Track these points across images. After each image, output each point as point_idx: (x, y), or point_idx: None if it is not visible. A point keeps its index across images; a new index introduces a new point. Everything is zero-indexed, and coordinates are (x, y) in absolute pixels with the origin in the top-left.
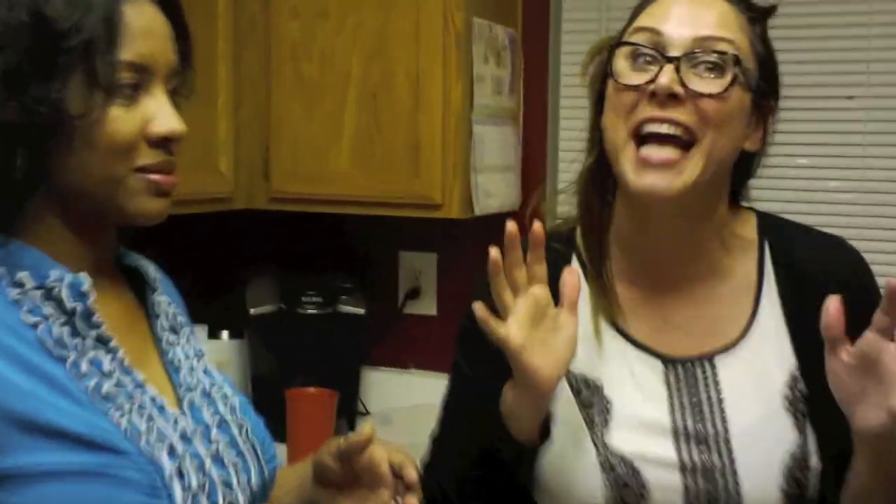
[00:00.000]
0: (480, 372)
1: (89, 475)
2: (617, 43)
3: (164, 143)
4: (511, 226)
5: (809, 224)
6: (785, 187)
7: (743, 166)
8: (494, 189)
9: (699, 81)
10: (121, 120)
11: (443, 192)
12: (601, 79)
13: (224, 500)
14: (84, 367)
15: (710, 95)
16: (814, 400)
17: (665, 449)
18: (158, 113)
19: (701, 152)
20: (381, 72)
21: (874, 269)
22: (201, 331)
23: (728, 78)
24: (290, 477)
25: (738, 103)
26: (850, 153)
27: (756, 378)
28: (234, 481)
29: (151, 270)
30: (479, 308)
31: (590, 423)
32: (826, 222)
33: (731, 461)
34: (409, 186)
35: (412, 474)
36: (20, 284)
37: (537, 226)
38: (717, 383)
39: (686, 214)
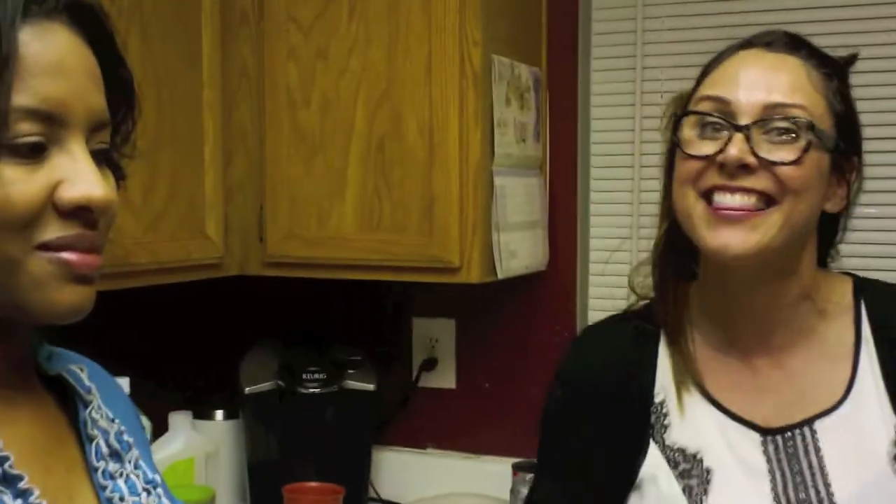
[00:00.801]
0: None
1: None
2: (683, 113)
3: (79, 212)
4: None
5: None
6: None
7: (828, 227)
8: (519, 248)
9: (772, 149)
10: (18, 183)
11: (461, 254)
12: (670, 147)
13: None
14: None
15: (784, 163)
16: None
17: None
18: (72, 174)
19: (780, 212)
20: (389, 119)
21: None
22: (184, 418)
23: (802, 143)
24: None
25: (815, 167)
26: None
27: (859, 442)
28: None
29: (84, 378)
30: None
31: (688, 493)
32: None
33: None
34: (423, 248)
35: None
36: None
37: None
38: (818, 450)
39: (768, 278)
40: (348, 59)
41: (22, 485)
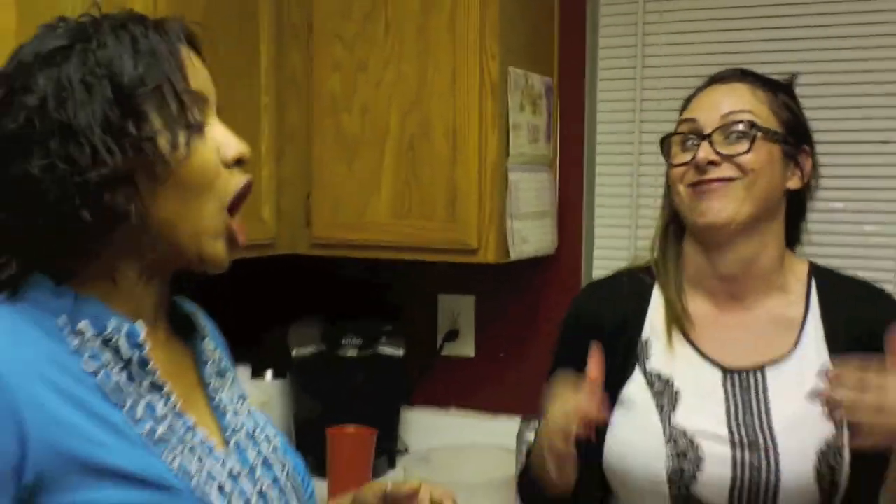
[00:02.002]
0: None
1: None
2: (667, 135)
3: (238, 164)
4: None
5: (846, 266)
6: (820, 230)
7: (795, 209)
8: (530, 234)
9: (729, 147)
10: (201, 151)
11: (479, 238)
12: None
13: None
14: (139, 411)
15: (739, 154)
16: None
17: (719, 429)
18: (225, 139)
19: (742, 185)
20: (419, 123)
21: None
22: (245, 371)
23: (750, 136)
24: None
25: (765, 154)
26: (884, 197)
27: (798, 385)
28: None
29: (200, 318)
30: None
31: (660, 408)
32: (861, 265)
33: (774, 443)
34: (447, 233)
35: None
36: (81, 334)
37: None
38: (765, 389)
39: (739, 246)
40: (384, 71)
41: (165, 390)
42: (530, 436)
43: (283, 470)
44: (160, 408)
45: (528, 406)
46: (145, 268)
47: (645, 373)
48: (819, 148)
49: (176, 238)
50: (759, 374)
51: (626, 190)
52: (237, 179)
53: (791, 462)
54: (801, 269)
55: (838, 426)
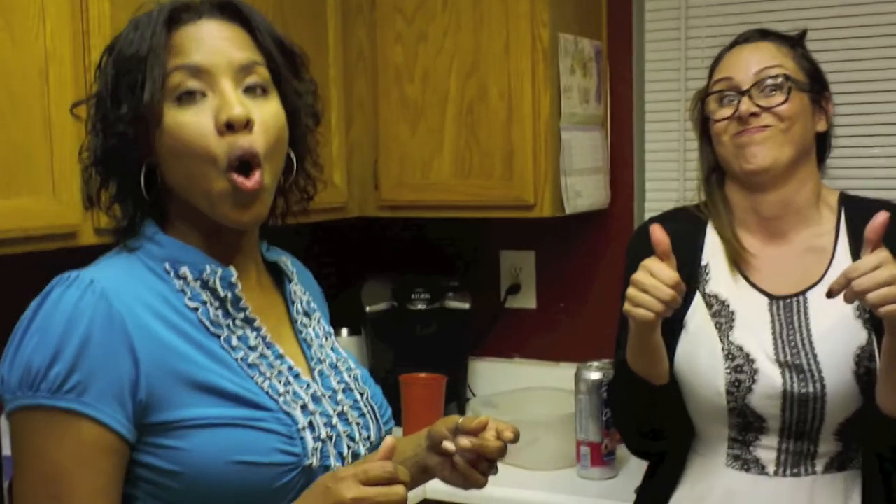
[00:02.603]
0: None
1: (239, 426)
2: (706, 93)
3: (229, 129)
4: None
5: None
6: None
7: (821, 146)
8: (584, 189)
9: (767, 100)
10: (193, 121)
11: (535, 194)
12: (700, 118)
13: (348, 450)
14: (234, 342)
15: (777, 105)
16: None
17: (769, 347)
18: (220, 105)
19: (782, 133)
20: (477, 88)
21: None
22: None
23: (786, 88)
24: (407, 444)
25: (799, 103)
26: None
27: (830, 303)
28: (357, 436)
29: (289, 264)
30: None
31: (718, 326)
32: None
33: (814, 354)
34: (505, 191)
35: (509, 435)
36: (183, 277)
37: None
38: (806, 310)
39: (780, 186)
40: (443, 40)
41: (256, 323)
42: (590, 375)
43: (362, 395)
44: (252, 339)
45: (587, 352)
46: (209, 223)
47: (704, 295)
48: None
49: (194, 200)
50: (800, 299)
51: (674, 145)
52: (232, 143)
53: (831, 368)
54: (833, 200)
55: (869, 331)
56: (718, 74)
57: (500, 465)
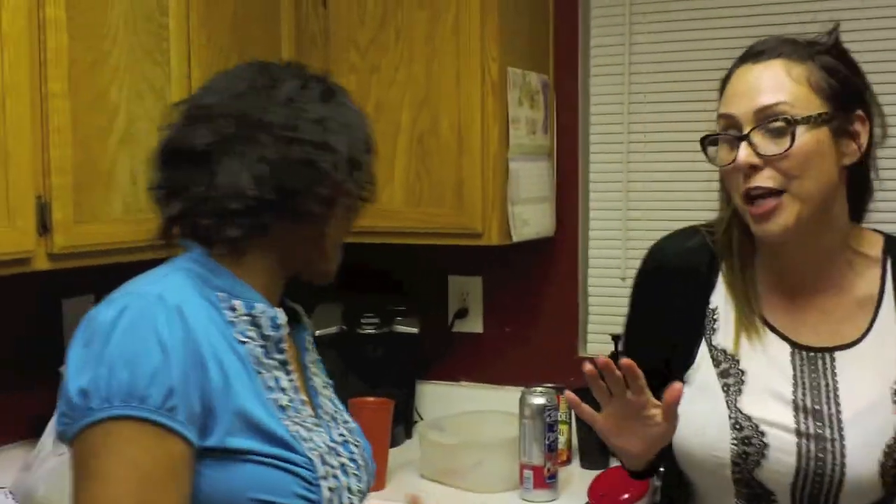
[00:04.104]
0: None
1: (269, 464)
2: (706, 137)
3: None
4: (591, 365)
5: None
6: None
7: (857, 178)
8: (531, 218)
9: (769, 145)
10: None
11: (483, 223)
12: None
13: (347, 501)
14: (270, 382)
15: (779, 156)
16: None
17: (786, 417)
18: None
19: (791, 198)
20: (428, 120)
21: None
22: None
23: (788, 137)
24: None
25: (811, 145)
26: None
27: (870, 373)
28: (354, 488)
29: (302, 311)
30: (568, 394)
31: (725, 389)
32: None
33: (841, 435)
34: (454, 219)
35: None
36: (234, 309)
37: (626, 363)
38: (834, 373)
39: (805, 238)
40: (396, 73)
41: (289, 368)
42: (534, 400)
43: (358, 448)
44: (283, 382)
45: (532, 377)
46: (285, 269)
47: (710, 346)
48: None
49: (320, 253)
50: (827, 357)
51: (618, 175)
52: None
53: (857, 455)
54: (876, 244)
55: None
56: (722, 107)
57: (445, 487)
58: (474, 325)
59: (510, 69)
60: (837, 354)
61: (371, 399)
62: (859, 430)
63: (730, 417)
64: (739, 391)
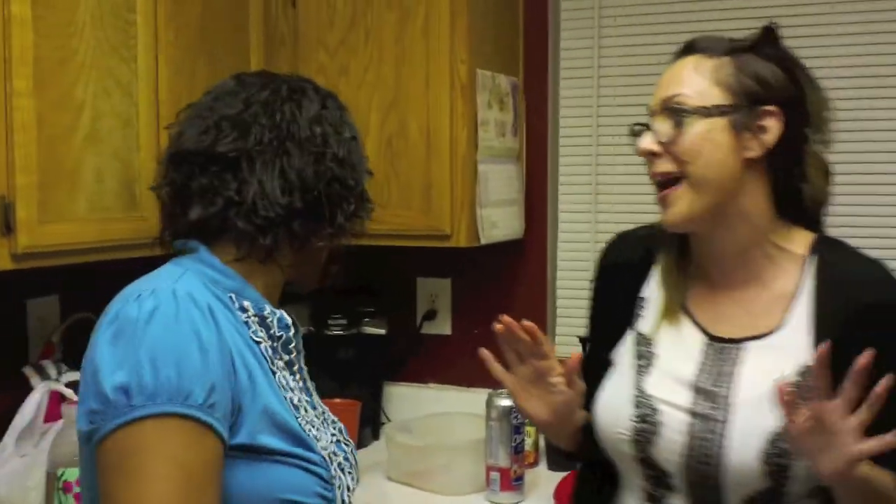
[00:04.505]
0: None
1: (293, 465)
2: (633, 127)
3: None
4: (500, 323)
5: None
6: (860, 213)
7: (780, 179)
8: (499, 220)
9: (668, 133)
10: None
11: (451, 225)
12: None
13: (348, 500)
14: (282, 381)
15: (672, 142)
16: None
17: (682, 397)
18: None
19: (687, 186)
20: (397, 122)
21: None
22: None
23: (679, 121)
24: None
25: (701, 133)
26: None
27: (771, 365)
28: (350, 486)
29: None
30: (483, 351)
31: (637, 370)
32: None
33: (728, 419)
34: (423, 221)
35: None
36: (245, 310)
37: (528, 325)
38: (738, 363)
39: (712, 229)
40: (364, 75)
41: (295, 367)
42: (501, 402)
43: (349, 447)
44: (292, 382)
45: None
46: (286, 276)
47: (636, 333)
48: None
49: (316, 264)
50: (737, 348)
51: (586, 178)
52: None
53: (738, 438)
54: (803, 242)
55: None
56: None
57: (412, 489)
58: (442, 326)
59: (479, 71)
60: (747, 345)
61: (338, 400)
62: (745, 414)
63: (634, 396)
64: (647, 372)
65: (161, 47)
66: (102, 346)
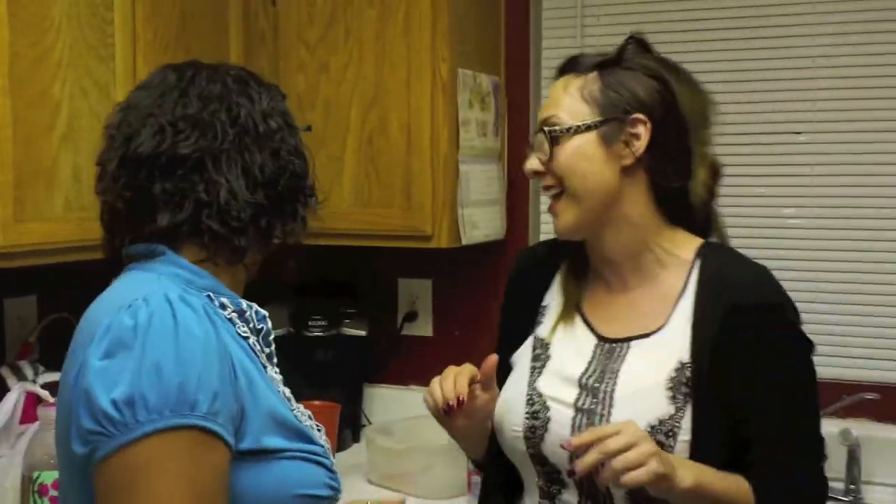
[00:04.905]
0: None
1: (301, 458)
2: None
3: None
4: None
5: (767, 246)
6: (745, 214)
7: (660, 186)
8: (480, 220)
9: (543, 152)
10: None
11: (433, 225)
12: None
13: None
14: (273, 375)
15: (547, 161)
16: (697, 387)
17: (569, 394)
18: None
19: (567, 198)
20: (378, 119)
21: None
22: None
23: (551, 141)
24: None
25: (572, 149)
26: (800, 183)
27: (654, 361)
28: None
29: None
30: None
31: (531, 371)
32: (779, 245)
33: (609, 412)
34: (404, 221)
35: None
36: (224, 307)
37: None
38: (624, 359)
39: (597, 238)
40: (345, 72)
41: (275, 360)
42: None
43: (328, 446)
44: (275, 374)
45: None
46: (248, 272)
47: (534, 337)
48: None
49: (268, 257)
50: (623, 346)
51: None
52: None
53: None
54: (689, 247)
55: (678, 408)
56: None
57: (393, 492)
58: (424, 328)
59: (461, 70)
60: (633, 343)
61: (318, 402)
62: (625, 408)
63: (527, 395)
64: (540, 373)
65: (139, 46)
66: (95, 362)
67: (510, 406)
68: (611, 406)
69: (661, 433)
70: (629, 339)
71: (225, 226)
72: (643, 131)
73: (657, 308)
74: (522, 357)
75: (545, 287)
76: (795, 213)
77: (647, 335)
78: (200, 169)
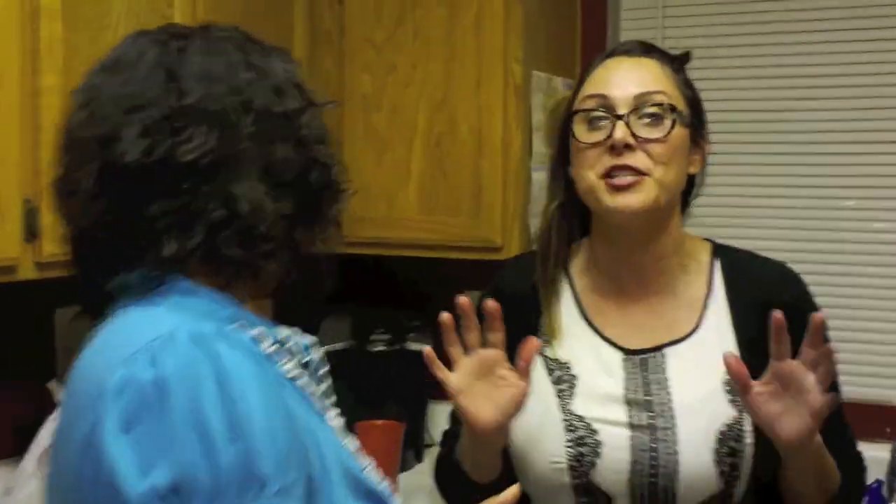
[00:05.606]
0: None
1: None
2: (574, 111)
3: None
4: (462, 300)
5: (859, 260)
6: (834, 227)
7: (686, 188)
8: None
9: (646, 130)
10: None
11: (503, 235)
12: (562, 137)
13: None
14: (335, 423)
15: (656, 140)
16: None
17: (617, 413)
18: None
19: (653, 181)
20: (446, 122)
21: None
22: None
23: (668, 123)
24: None
25: (679, 140)
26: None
27: (699, 366)
28: None
29: None
30: (427, 351)
31: (559, 394)
32: (872, 261)
33: (673, 424)
34: (472, 230)
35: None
36: (259, 341)
37: (491, 304)
38: (665, 368)
39: (651, 237)
40: (413, 72)
41: (332, 396)
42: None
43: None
44: (332, 414)
45: None
46: (272, 286)
47: (544, 357)
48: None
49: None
50: (658, 355)
51: None
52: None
53: (690, 443)
54: (703, 249)
55: (739, 410)
56: (590, 89)
57: None
58: None
59: (535, 72)
60: (667, 351)
61: (380, 422)
62: (691, 417)
63: (563, 420)
64: (571, 395)
65: None
66: (111, 436)
67: (542, 436)
68: (673, 417)
69: (732, 439)
70: (661, 347)
71: (250, 249)
72: (707, 147)
73: (683, 312)
74: (536, 380)
75: (537, 305)
76: (886, 227)
77: (679, 340)
78: (211, 178)
